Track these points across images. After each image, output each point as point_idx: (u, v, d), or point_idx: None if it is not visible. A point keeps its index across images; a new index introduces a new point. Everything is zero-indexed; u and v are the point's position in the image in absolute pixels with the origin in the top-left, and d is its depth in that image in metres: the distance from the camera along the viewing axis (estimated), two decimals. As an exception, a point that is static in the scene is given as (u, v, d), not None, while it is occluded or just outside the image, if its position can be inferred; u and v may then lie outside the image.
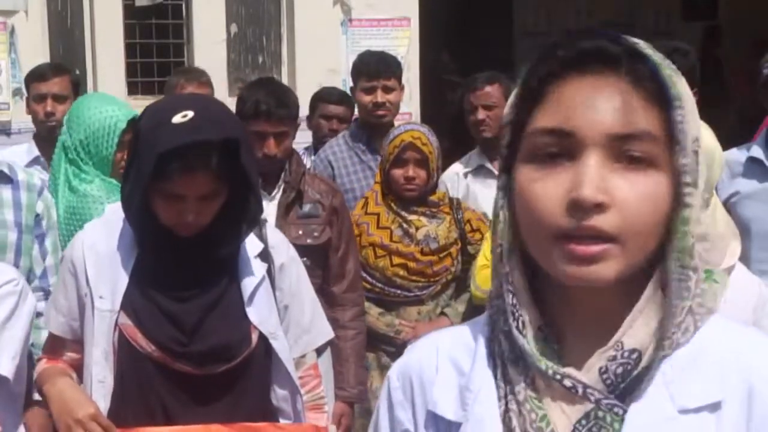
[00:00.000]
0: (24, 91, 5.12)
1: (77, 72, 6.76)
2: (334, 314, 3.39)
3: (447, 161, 4.76)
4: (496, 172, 4.10)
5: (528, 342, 1.07)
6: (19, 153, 4.53)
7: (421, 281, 3.69)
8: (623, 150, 1.01)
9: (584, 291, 1.06)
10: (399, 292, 3.68)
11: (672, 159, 1.04)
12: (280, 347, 2.37)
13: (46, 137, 4.43)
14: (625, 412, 1.04)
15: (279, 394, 2.40)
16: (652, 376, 1.05)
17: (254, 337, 2.32)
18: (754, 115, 4.65)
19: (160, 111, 2.24)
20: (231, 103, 3.49)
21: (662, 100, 1.03)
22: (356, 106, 4.57)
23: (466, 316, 3.72)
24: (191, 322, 2.26)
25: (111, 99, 3.44)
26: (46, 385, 2.33)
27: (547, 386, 1.06)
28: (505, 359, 1.09)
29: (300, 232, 3.38)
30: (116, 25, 6.91)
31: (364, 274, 3.63)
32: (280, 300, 2.43)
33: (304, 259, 3.14)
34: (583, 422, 1.04)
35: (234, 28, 7.12)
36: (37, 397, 2.51)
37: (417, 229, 3.68)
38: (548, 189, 1.02)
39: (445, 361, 1.15)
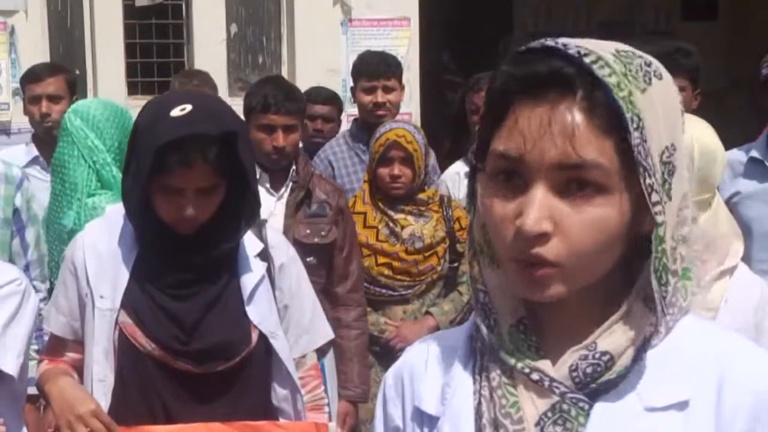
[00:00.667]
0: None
1: (77, 72, 6.76)
2: (337, 314, 3.40)
3: (447, 161, 4.77)
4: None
5: (500, 337, 1.11)
6: (18, 153, 4.52)
7: (406, 280, 3.70)
8: (572, 178, 1.03)
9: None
10: (384, 291, 3.68)
11: (635, 178, 1.04)
12: (280, 347, 2.37)
13: (44, 137, 4.43)
14: (590, 407, 1.06)
15: (279, 394, 2.40)
16: (625, 380, 1.07)
17: (254, 336, 2.32)
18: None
19: (159, 105, 2.25)
20: (231, 104, 3.50)
21: (620, 122, 1.03)
22: (357, 106, 4.57)
23: (455, 315, 3.72)
24: (191, 320, 2.27)
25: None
26: (48, 384, 2.33)
27: (520, 376, 1.10)
28: (485, 350, 1.13)
29: (308, 231, 3.42)
30: (116, 25, 6.90)
31: None
32: (280, 300, 2.43)
33: (311, 258, 3.15)
34: (549, 414, 1.07)
35: (234, 28, 7.12)
36: (32, 391, 2.52)
37: (403, 228, 3.68)
38: (501, 212, 1.06)
39: (433, 360, 1.21)
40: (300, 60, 7.02)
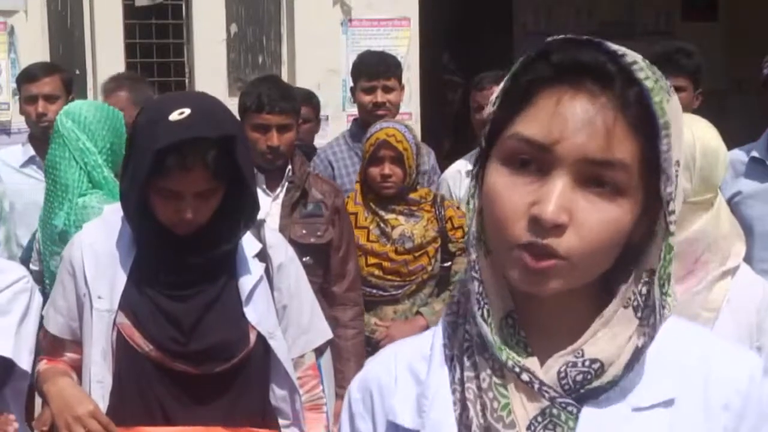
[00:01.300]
0: (20, 91, 5.10)
1: (77, 72, 6.76)
2: (334, 314, 3.40)
3: (447, 161, 4.76)
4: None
5: (491, 330, 1.08)
6: (15, 153, 4.53)
7: (397, 280, 3.69)
8: (595, 174, 1.01)
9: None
10: (374, 291, 3.67)
11: (649, 184, 1.03)
12: (278, 347, 2.37)
13: (40, 137, 4.41)
14: (579, 410, 1.05)
15: (278, 394, 2.40)
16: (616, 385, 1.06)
17: (252, 336, 2.32)
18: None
19: (157, 108, 2.24)
20: (231, 104, 3.50)
21: (648, 127, 1.02)
22: (356, 106, 4.57)
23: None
24: (189, 321, 2.26)
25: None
26: (47, 384, 2.33)
27: (510, 374, 1.08)
28: (475, 346, 1.10)
29: (304, 231, 3.42)
30: (116, 25, 6.89)
31: None
32: (279, 300, 2.42)
33: (307, 258, 3.15)
34: (539, 419, 1.06)
35: (234, 28, 7.11)
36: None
37: (393, 228, 3.67)
38: (514, 197, 1.03)
39: (403, 370, 1.18)
40: (300, 60, 7.01)
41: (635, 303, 1.07)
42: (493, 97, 1.10)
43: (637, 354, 1.06)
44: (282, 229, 3.33)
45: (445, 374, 1.12)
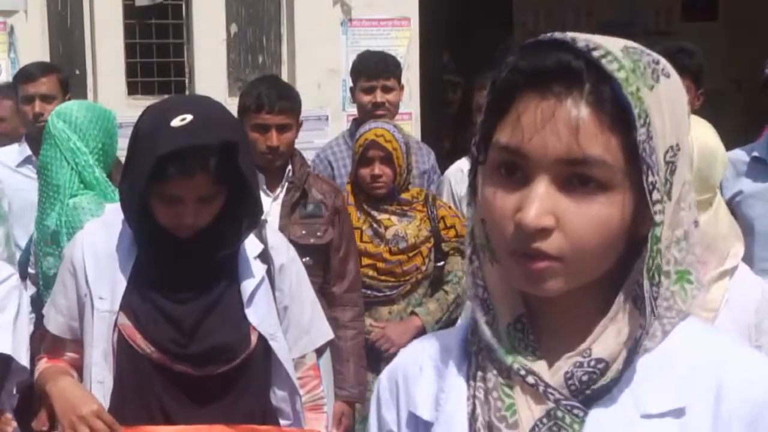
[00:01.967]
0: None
1: (77, 72, 6.76)
2: (334, 314, 3.40)
3: (447, 161, 4.76)
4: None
5: (498, 335, 1.09)
6: (11, 153, 4.51)
7: (391, 281, 3.69)
8: (575, 173, 1.01)
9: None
10: (369, 292, 3.66)
11: (639, 176, 1.03)
12: (279, 348, 2.37)
13: (37, 137, 4.40)
14: (585, 414, 1.04)
15: (278, 395, 2.40)
16: (621, 387, 1.05)
17: (253, 338, 2.32)
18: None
19: (159, 113, 2.23)
20: (231, 104, 3.50)
21: (626, 117, 1.01)
22: (356, 106, 4.57)
23: (441, 314, 3.71)
24: (190, 323, 2.26)
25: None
26: (48, 384, 2.32)
27: (516, 377, 1.08)
28: (482, 349, 1.11)
29: (303, 232, 3.41)
30: (116, 25, 6.89)
31: None
32: (280, 301, 2.42)
33: (307, 258, 3.14)
34: (544, 421, 1.05)
35: (234, 28, 7.11)
36: None
37: (386, 228, 3.67)
38: (504, 204, 1.04)
39: (428, 363, 1.18)
40: (300, 60, 7.01)
41: (634, 295, 1.06)
42: (483, 108, 1.12)
43: (634, 348, 1.05)
44: (282, 230, 3.33)
45: (464, 370, 1.13)
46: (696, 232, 1.09)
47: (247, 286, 2.33)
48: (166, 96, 6.37)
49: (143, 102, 6.22)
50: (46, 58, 6.36)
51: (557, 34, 1.05)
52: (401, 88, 4.54)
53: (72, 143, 3.07)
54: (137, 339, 2.27)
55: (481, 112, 1.10)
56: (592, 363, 1.05)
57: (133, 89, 7.06)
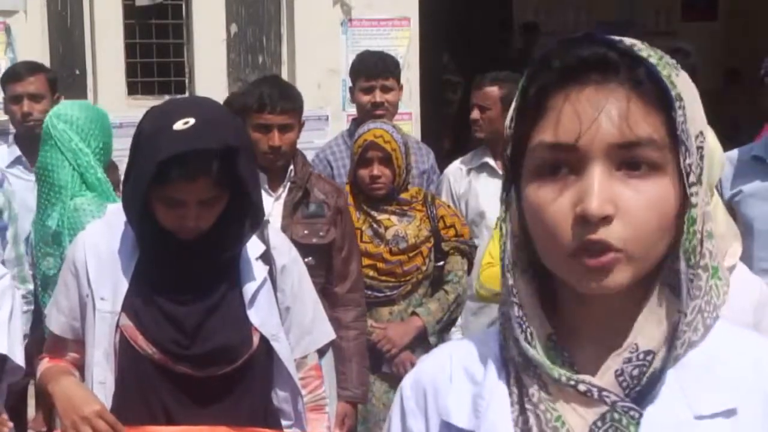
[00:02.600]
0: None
1: (77, 72, 6.76)
2: (336, 314, 3.40)
3: (447, 161, 4.77)
4: (500, 170, 4.08)
5: (538, 352, 1.07)
6: (1, 154, 4.49)
7: (391, 281, 3.68)
8: (627, 158, 1.02)
9: (597, 295, 1.06)
10: (370, 292, 3.65)
11: (676, 159, 1.04)
12: (281, 349, 2.37)
13: (26, 136, 4.39)
14: (640, 415, 1.04)
15: (280, 396, 2.40)
16: (666, 378, 1.05)
17: (255, 339, 2.32)
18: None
19: (161, 116, 2.23)
20: (231, 104, 3.51)
21: (663, 101, 1.03)
22: (355, 106, 4.57)
23: (442, 314, 3.71)
24: (192, 324, 2.26)
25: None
26: (50, 384, 2.32)
27: (560, 390, 1.07)
28: (517, 365, 1.10)
29: (306, 232, 3.41)
30: (116, 25, 6.90)
31: None
32: (282, 301, 2.43)
33: (309, 258, 3.14)
34: (599, 424, 1.04)
35: (234, 28, 7.11)
36: None
37: (386, 228, 3.67)
38: (556, 206, 1.03)
39: (458, 370, 1.16)
40: (300, 60, 7.01)
41: (670, 284, 1.06)
42: (507, 120, 1.11)
43: (675, 333, 1.04)
44: (284, 230, 3.32)
45: (504, 377, 1.11)
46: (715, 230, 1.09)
47: (248, 287, 2.33)
48: (166, 96, 6.39)
49: (143, 102, 6.23)
50: (46, 58, 6.37)
51: (582, 33, 1.07)
52: (400, 88, 4.54)
53: (74, 144, 3.07)
54: (139, 340, 2.27)
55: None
56: (641, 356, 1.05)
57: (133, 89, 7.06)
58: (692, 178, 1.04)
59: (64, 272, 2.44)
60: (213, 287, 2.29)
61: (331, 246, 3.46)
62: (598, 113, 1.01)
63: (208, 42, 7.02)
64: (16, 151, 4.44)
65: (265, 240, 2.42)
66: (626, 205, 1.01)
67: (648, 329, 1.05)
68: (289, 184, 3.49)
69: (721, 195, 3.43)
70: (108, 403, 2.28)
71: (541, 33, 9.74)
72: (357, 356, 3.47)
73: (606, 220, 1.00)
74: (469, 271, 3.81)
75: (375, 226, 3.67)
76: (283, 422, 2.41)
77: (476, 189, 4.37)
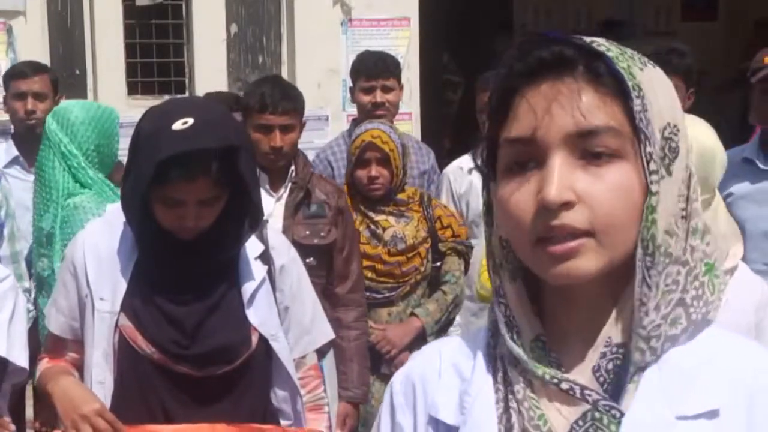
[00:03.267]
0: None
1: (77, 72, 6.76)
2: (337, 315, 3.40)
3: (447, 161, 4.76)
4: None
5: (525, 351, 1.09)
6: None
7: (390, 282, 3.68)
8: (586, 147, 1.03)
9: (577, 292, 1.07)
10: (368, 294, 3.64)
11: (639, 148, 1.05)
12: (280, 348, 2.37)
13: (25, 135, 4.38)
14: (622, 414, 1.04)
15: (279, 395, 2.40)
16: (648, 377, 1.05)
17: (254, 339, 2.32)
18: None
19: (160, 116, 2.23)
20: (231, 104, 3.51)
21: (622, 92, 1.04)
22: (356, 106, 4.57)
23: (440, 315, 3.71)
24: (191, 324, 2.26)
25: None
26: (50, 384, 2.32)
27: (544, 389, 1.08)
28: (505, 361, 1.11)
29: (307, 232, 3.41)
30: (116, 25, 6.90)
31: None
32: (281, 301, 2.43)
33: (310, 258, 3.15)
34: (580, 423, 1.05)
35: (234, 28, 7.12)
36: None
37: (384, 229, 3.66)
38: (520, 197, 1.05)
39: (447, 366, 1.17)
40: (300, 60, 7.02)
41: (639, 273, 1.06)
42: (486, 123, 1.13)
43: (638, 324, 1.04)
44: (285, 230, 3.33)
45: (490, 374, 1.12)
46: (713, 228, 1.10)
47: (248, 288, 2.33)
48: (166, 96, 6.39)
49: (143, 102, 6.23)
50: (46, 58, 6.37)
51: (542, 33, 1.09)
52: (401, 88, 4.54)
53: (63, 146, 3.07)
54: (138, 340, 2.27)
55: (484, 114, 1.12)
56: (614, 350, 1.06)
57: (133, 89, 7.07)
58: (653, 166, 1.04)
59: (62, 272, 2.44)
60: (212, 287, 2.29)
61: (332, 246, 3.46)
62: (549, 105, 1.03)
63: (208, 42, 7.02)
64: (14, 151, 4.42)
65: (264, 240, 2.42)
66: (588, 191, 1.02)
67: (621, 322, 1.06)
68: (290, 184, 3.49)
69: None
70: (107, 403, 2.28)
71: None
72: (358, 356, 3.47)
73: (567, 206, 1.01)
74: (465, 271, 3.81)
75: (373, 227, 3.66)
76: (282, 422, 2.41)
77: (478, 189, 4.36)
